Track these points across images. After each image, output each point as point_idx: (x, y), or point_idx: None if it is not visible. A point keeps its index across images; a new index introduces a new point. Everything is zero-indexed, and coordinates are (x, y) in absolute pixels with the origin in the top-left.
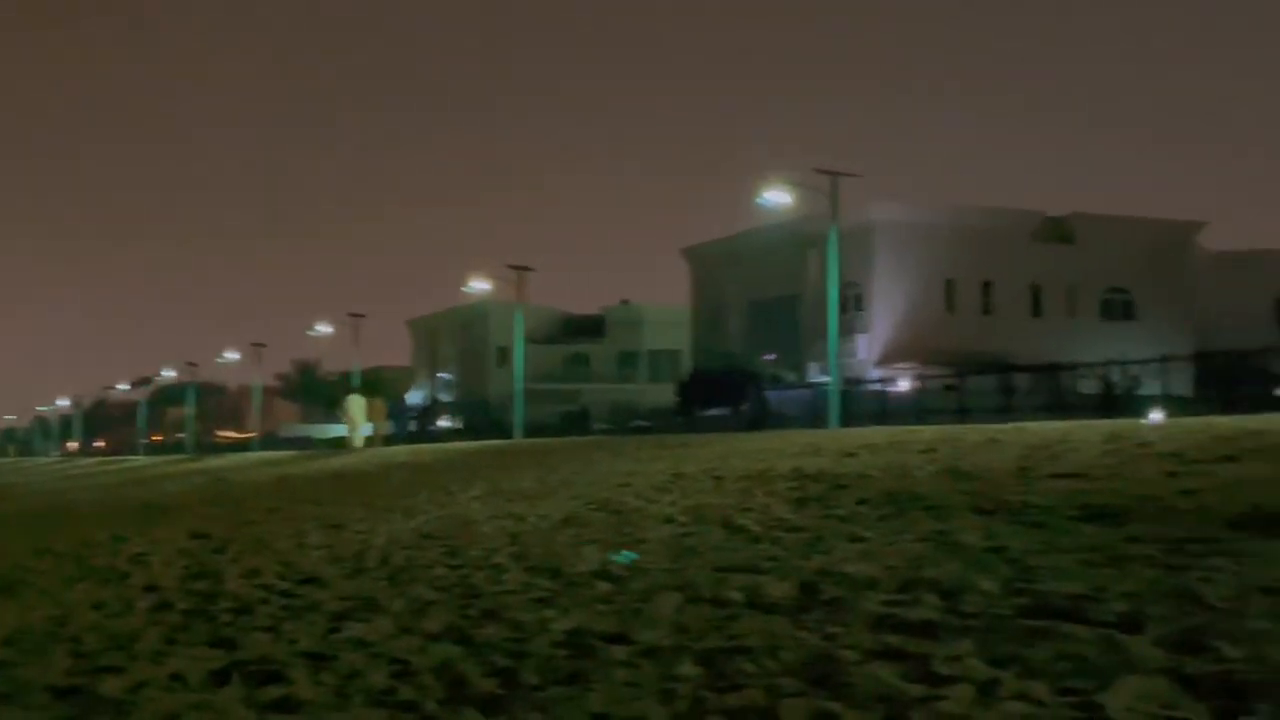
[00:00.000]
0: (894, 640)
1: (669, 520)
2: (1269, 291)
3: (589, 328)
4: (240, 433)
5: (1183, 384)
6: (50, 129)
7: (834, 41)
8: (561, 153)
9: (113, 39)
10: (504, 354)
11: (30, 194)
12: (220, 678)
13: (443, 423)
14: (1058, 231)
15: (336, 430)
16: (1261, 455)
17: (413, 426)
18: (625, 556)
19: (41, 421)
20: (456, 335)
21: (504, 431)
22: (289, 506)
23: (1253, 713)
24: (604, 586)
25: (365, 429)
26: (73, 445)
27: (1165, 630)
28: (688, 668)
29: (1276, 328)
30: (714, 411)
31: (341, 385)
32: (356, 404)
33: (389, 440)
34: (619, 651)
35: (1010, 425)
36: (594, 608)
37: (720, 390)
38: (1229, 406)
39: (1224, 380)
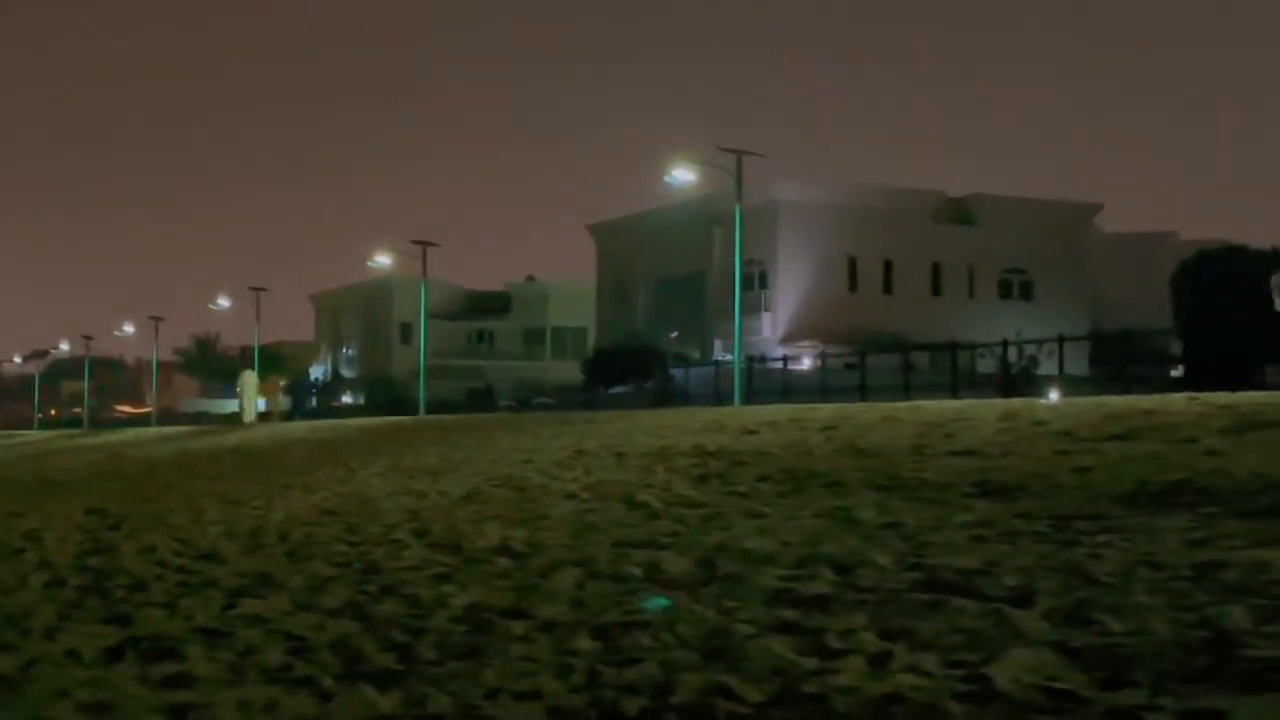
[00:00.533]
0: (790, 614)
1: (570, 496)
2: (1163, 273)
3: (494, 304)
4: (138, 408)
5: (1079, 364)
6: None
7: (742, 17)
8: (468, 127)
9: None
10: (408, 330)
11: None
12: (114, 654)
13: (345, 399)
14: (959, 212)
15: (233, 405)
16: (1152, 434)
17: (314, 402)
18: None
19: None
20: (360, 311)
21: (407, 408)
22: (187, 482)
23: (1134, 683)
24: (504, 563)
25: (259, 404)
26: None
27: (1053, 604)
28: (585, 642)
29: (1169, 309)
30: (619, 389)
31: (241, 360)
32: (249, 379)
33: (288, 416)
34: (517, 627)
35: (908, 404)
36: (493, 583)
37: (625, 368)
38: (1123, 386)
39: (1119, 360)
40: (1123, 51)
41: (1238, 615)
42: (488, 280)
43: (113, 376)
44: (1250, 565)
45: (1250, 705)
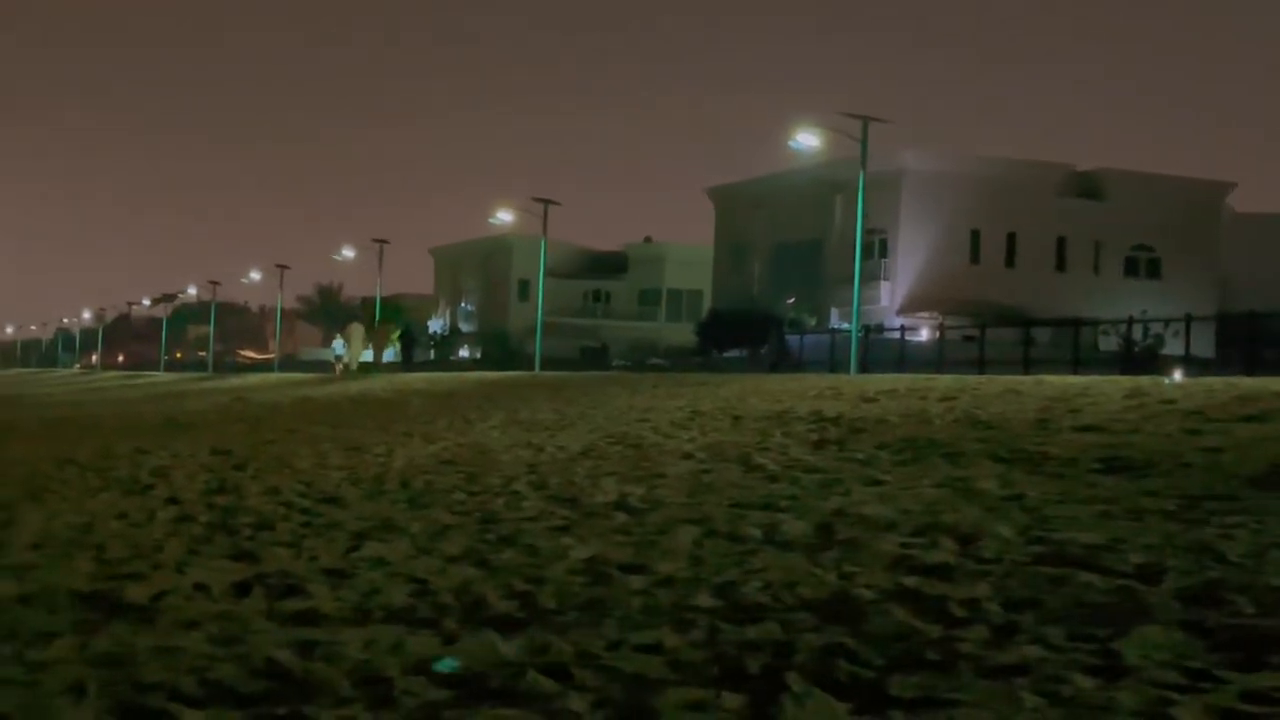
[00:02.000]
0: (911, 581)
1: (687, 456)
2: None
3: (611, 264)
4: (261, 353)
5: (1205, 345)
6: (77, 32)
7: None
8: (592, 87)
9: None
10: (526, 287)
11: (61, 102)
12: (242, 590)
13: (462, 352)
14: (1086, 186)
15: (328, 355)
16: None
17: (431, 355)
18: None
19: (64, 334)
20: (479, 266)
21: (522, 363)
22: (308, 428)
23: (1267, 666)
24: (621, 518)
25: (365, 354)
26: (94, 358)
27: (1183, 583)
28: (705, 599)
29: None
30: (733, 353)
31: (361, 310)
32: (356, 331)
33: (401, 368)
34: (636, 581)
35: (1030, 377)
36: (611, 538)
37: (740, 332)
38: (1251, 368)
39: (1247, 342)
40: (1262, 27)
41: None
42: (605, 240)
43: (237, 322)
44: None
45: None
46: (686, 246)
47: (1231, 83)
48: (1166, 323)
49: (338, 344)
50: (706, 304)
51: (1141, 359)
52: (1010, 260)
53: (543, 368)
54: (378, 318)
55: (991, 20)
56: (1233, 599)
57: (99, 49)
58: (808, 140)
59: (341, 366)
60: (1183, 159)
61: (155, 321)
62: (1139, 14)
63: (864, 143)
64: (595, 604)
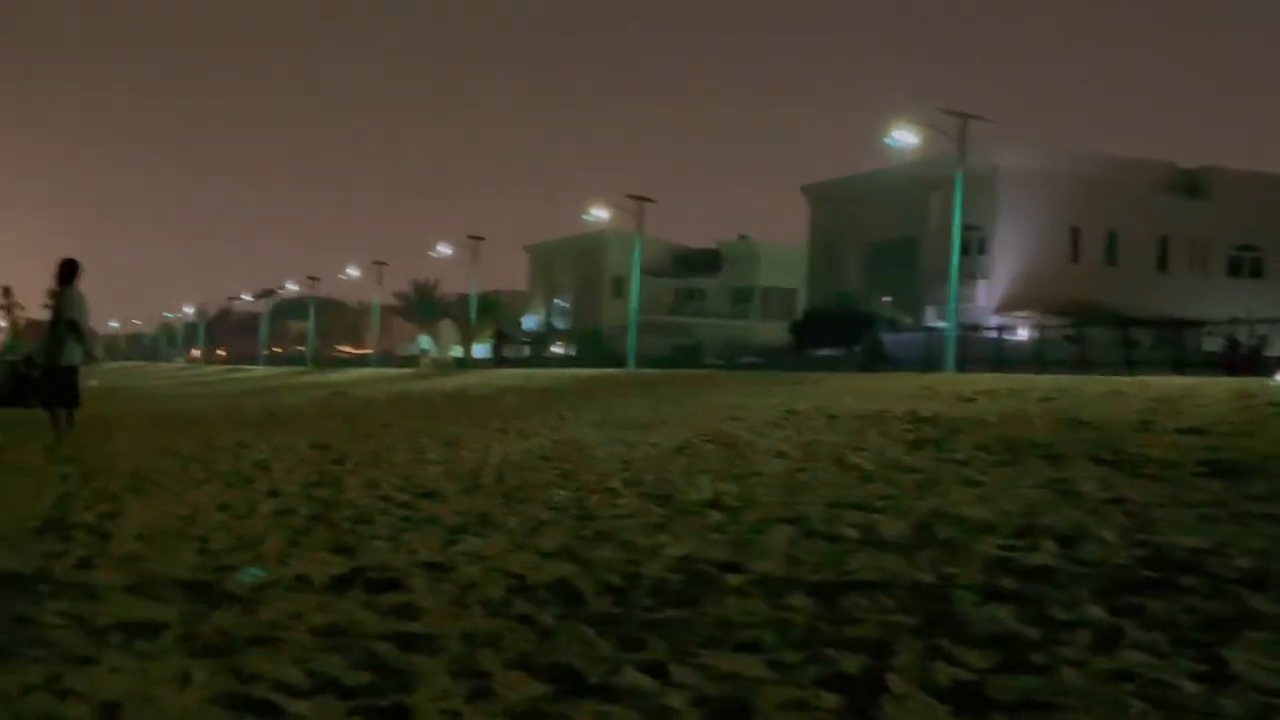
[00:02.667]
0: (1010, 584)
1: (781, 455)
2: None
3: (705, 262)
4: (358, 349)
5: None
6: (187, 43)
7: None
8: (684, 86)
9: None
10: (619, 284)
11: (171, 104)
12: (343, 582)
13: (556, 349)
14: (1188, 184)
15: (414, 350)
16: None
17: (526, 351)
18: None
19: (167, 328)
20: (573, 263)
21: (616, 361)
22: (405, 422)
23: None
24: (716, 516)
25: (456, 350)
26: (196, 353)
27: None
28: (800, 599)
29: None
30: (827, 351)
31: (456, 306)
32: (447, 327)
33: (493, 364)
34: (732, 580)
35: (1132, 378)
36: (706, 536)
37: (834, 330)
38: None
39: None
40: None
41: None
42: (700, 238)
43: (335, 317)
44: None
45: None
46: (780, 245)
47: None
48: (1274, 323)
49: (423, 340)
50: (800, 302)
51: (1246, 360)
52: (1111, 259)
53: (636, 365)
54: (473, 314)
55: (1079, 20)
56: None
57: (205, 48)
58: (905, 137)
59: (429, 361)
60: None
61: (256, 316)
62: (1229, 10)
63: (962, 139)
64: (691, 601)
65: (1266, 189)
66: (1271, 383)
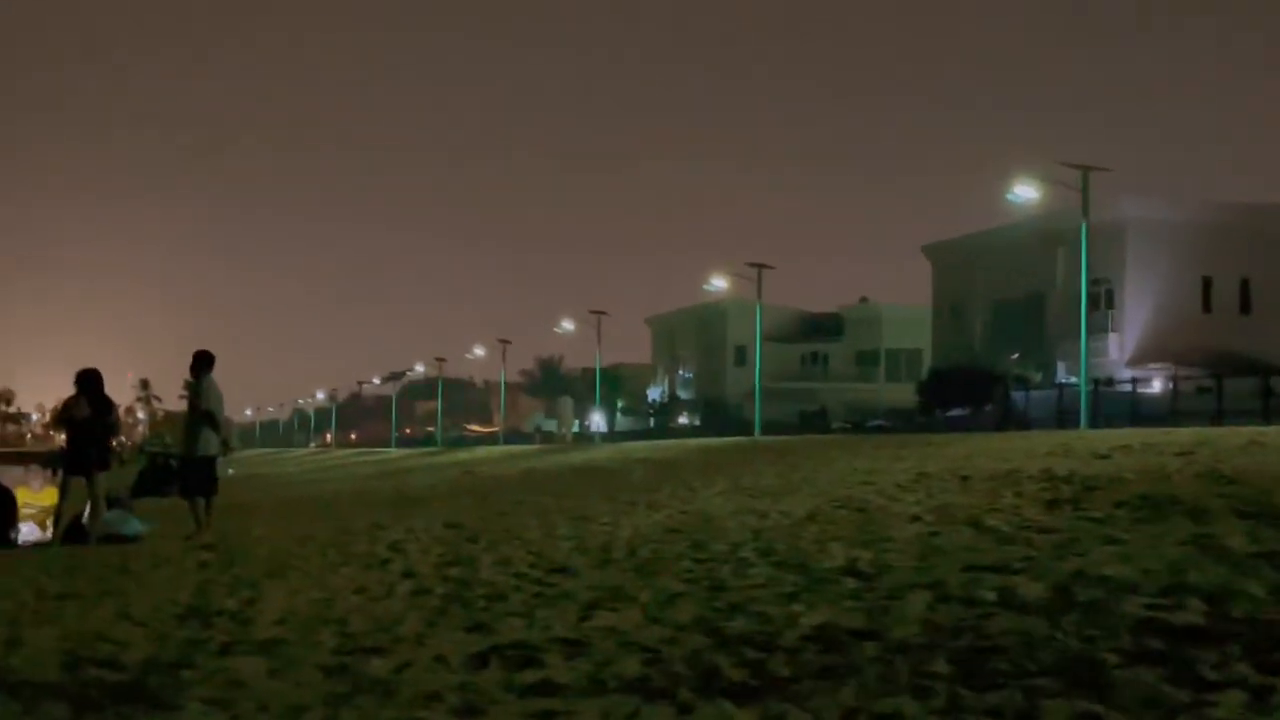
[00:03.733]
0: (1157, 644)
1: (914, 519)
2: None
3: (827, 326)
4: (486, 426)
5: None
6: (317, 115)
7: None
8: (801, 149)
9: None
10: (742, 352)
11: (287, 190)
12: (480, 661)
13: (681, 419)
14: None
15: (550, 425)
16: None
17: (651, 422)
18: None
19: (299, 414)
20: (695, 333)
21: (741, 428)
22: (535, 498)
23: None
24: (851, 583)
25: (574, 426)
26: (328, 438)
27: None
28: (941, 665)
29: None
30: (956, 412)
31: (581, 381)
32: (566, 404)
33: (617, 436)
34: (870, 648)
35: (1273, 428)
36: (841, 603)
37: (962, 390)
38: None
39: None
40: None
41: None
42: (820, 302)
43: (463, 396)
44: None
45: None
46: (903, 306)
47: None
48: None
49: (543, 419)
50: (926, 363)
51: None
52: (1245, 307)
53: (762, 432)
54: (598, 389)
55: (1208, 66)
56: None
57: (335, 128)
58: (1026, 192)
59: (563, 435)
60: None
61: (385, 399)
62: None
63: (1085, 191)
64: (829, 671)
65: None
66: None
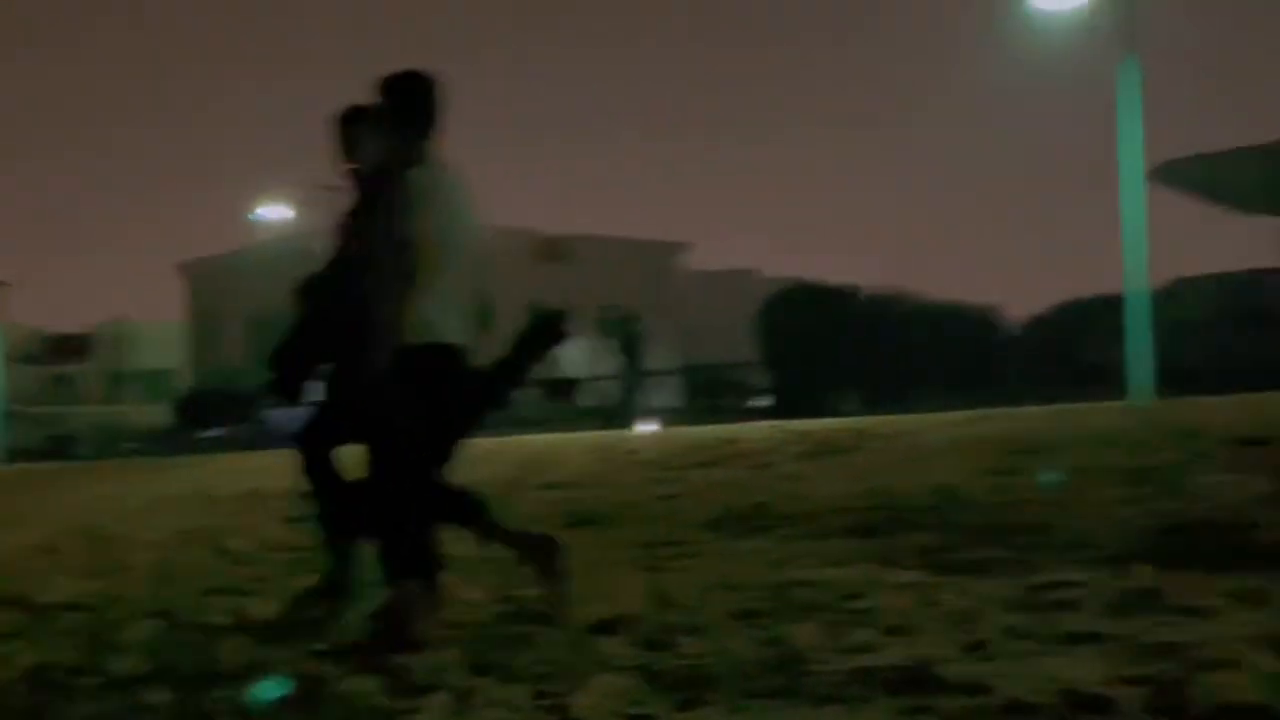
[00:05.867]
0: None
1: (154, 545)
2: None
3: (77, 346)
4: None
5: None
6: None
7: None
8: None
9: None
10: None
11: None
12: None
13: None
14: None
15: None
16: (735, 460)
17: None
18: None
19: None
20: None
21: None
22: None
23: (710, 703)
24: (77, 617)
25: None
26: None
27: (637, 631)
28: (164, 694)
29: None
30: (214, 432)
31: None
32: None
33: None
34: (87, 683)
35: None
36: (62, 640)
37: (220, 409)
38: (712, 416)
39: (708, 392)
40: None
41: (807, 633)
42: (73, 322)
43: None
44: (821, 584)
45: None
46: (161, 324)
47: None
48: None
49: None
50: (183, 382)
51: (616, 413)
52: None
53: (8, 460)
54: None
55: None
56: (680, 641)
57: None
58: (273, 211)
59: None
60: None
61: None
62: None
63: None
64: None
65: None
66: (633, 433)
